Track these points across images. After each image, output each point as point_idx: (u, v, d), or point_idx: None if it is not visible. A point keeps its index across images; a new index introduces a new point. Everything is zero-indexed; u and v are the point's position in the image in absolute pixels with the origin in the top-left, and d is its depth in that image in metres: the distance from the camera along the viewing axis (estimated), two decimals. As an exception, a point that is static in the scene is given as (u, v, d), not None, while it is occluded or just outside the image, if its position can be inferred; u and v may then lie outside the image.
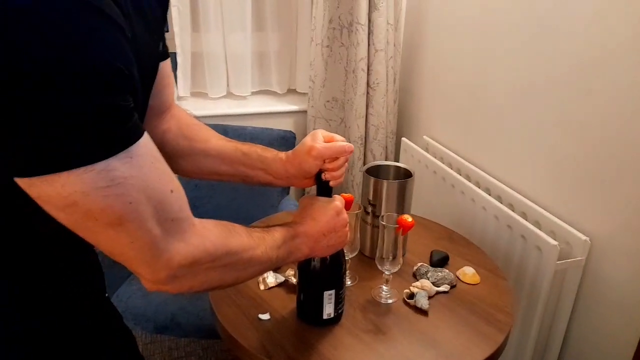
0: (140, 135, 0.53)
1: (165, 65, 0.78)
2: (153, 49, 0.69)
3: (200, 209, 1.92)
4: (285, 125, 2.08)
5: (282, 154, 0.88)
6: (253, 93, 2.15)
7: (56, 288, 0.66)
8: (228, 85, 2.10)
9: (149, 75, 0.69)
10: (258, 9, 2.03)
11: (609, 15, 1.17)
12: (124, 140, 0.51)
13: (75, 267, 0.70)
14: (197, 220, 0.62)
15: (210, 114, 1.95)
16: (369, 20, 1.86)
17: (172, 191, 0.57)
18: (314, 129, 2.02)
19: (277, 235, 0.75)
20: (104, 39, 0.47)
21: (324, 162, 0.85)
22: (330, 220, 0.83)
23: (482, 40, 1.59)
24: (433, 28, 1.86)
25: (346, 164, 0.88)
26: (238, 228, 0.69)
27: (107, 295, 0.80)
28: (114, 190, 0.50)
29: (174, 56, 1.91)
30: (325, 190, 0.87)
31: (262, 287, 1.13)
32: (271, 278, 1.14)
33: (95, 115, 0.47)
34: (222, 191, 1.91)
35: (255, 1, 2.00)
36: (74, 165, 0.48)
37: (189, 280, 0.61)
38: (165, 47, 0.76)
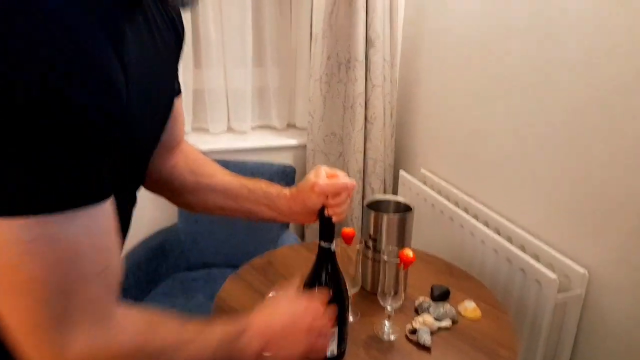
0: (96, 201, 0.47)
1: (178, 101, 0.79)
2: (168, 86, 0.71)
3: (200, 244, 1.92)
4: (285, 159, 2.11)
5: (286, 190, 0.89)
6: (253, 128, 2.18)
7: None
8: (229, 120, 2.13)
9: (163, 112, 0.70)
10: (259, 45, 2.08)
11: (611, 57, 1.21)
12: (70, 199, 0.45)
13: None
14: (119, 311, 0.54)
15: (211, 149, 1.97)
16: (366, 57, 1.91)
17: (101, 272, 0.50)
18: (313, 163, 2.05)
19: (213, 334, 0.64)
20: (74, 86, 0.43)
21: (327, 198, 0.86)
22: (298, 319, 0.73)
23: (477, 75, 1.64)
24: (428, 64, 1.91)
25: (349, 199, 0.89)
26: (167, 324, 0.60)
27: None
28: (34, 248, 0.45)
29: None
30: (327, 226, 0.88)
31: (263, 323, 1.12)
32: (273, 314, 1.13)
33: (40, 163, 0.43)
34: (222, 226, 1.92)
35: (255, 38, 2.05)
36: (4, 213, 0.43)
37: None
38: (178, 84, 0.78)
